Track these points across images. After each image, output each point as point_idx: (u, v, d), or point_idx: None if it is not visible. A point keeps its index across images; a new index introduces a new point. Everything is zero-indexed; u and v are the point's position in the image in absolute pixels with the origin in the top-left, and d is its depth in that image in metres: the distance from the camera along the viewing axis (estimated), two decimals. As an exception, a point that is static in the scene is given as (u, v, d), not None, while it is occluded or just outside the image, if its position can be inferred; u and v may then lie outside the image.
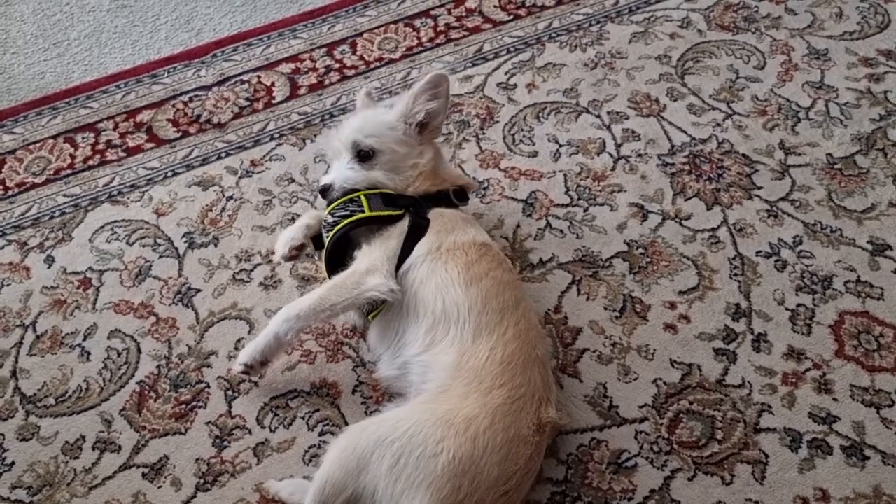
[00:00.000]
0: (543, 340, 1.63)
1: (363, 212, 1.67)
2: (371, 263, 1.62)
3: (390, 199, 1.71)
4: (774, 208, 2.01)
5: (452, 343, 1.53)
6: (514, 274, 1.71)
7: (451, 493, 1.32)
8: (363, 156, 1.76)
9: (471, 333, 1.52)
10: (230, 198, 2.14)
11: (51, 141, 2.34)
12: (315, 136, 2.26)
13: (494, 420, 1.40)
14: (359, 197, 1.70)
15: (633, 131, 2.21)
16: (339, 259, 1.70)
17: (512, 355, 1.50)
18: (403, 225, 1.68)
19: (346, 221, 1.67)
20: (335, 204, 1.72)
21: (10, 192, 2.22)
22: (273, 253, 1.95)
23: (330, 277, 1.69)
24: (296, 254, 1.79)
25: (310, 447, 1.69)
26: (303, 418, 1.73)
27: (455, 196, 1.80)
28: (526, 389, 1.47)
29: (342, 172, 1.76)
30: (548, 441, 1.53)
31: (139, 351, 1.86)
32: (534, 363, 1.52)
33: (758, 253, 1.93)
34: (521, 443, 1.41)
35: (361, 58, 2.48)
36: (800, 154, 2.12)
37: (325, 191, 1.77)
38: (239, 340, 1.85)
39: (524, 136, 2.23)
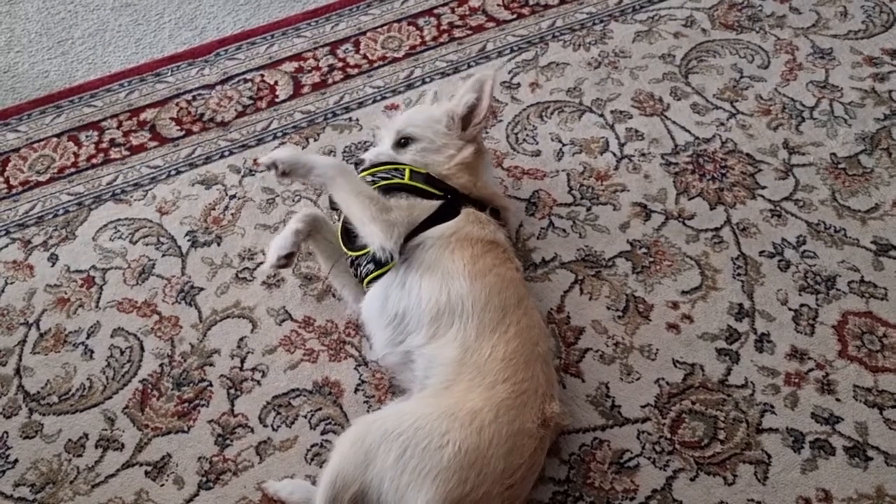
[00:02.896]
0: (546, 338, 1.63)
1: (402, 178, 1.70)
2: (398, 218, 1.62)
3: (432, 181, 1.73)
4: (778, 208, 2.00)
5: (455, 337, 1.53)
6: (520, 272, 1.71)
7: (457, 485, 1.32)
8: (401, 143, 1.81)
9: (474, 329, 1.53)
10: (233, 196, 2.14)
11: (55, 139, 2.34)
12: (318, 134, 2.26)
13: (499, 413, 1.41)
14: (404, 169, 1.72)
15: (637, 130, 2.20)
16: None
17: (515, 352, 1.50)
18: (434, 205, 1.69)
19: (382, 183, 1.69)
20: (378, 169, 1.75)
21: (14, 191, 2.22)
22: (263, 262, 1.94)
23: (344, 246, 1.72)
24: (285, 263, 1.77)
25: (312, 446, 1.69)
26: (305, 417, 1.73)
27: (490, 214, 1.79)
28: (529, 385, 1.47)
29: (377, 151, 1.82)
30: (551, 439, 1.54)
31: (142, 349, 1.86)
32: (536, 360, 1.52)
33: (761, 253, 1.92)
34: (525, 436, 1.42)
35: (365, 56, 2.48)
36: (804, 154, 2.11)
37: (358, 164, 1.83)
38: (242, 339, 1.85)
39: (527, 135, 2.22)
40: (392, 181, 1.70)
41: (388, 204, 1.63)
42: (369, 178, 1.73)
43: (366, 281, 1.70)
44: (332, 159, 1.73)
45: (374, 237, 1.59)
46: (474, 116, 1.81)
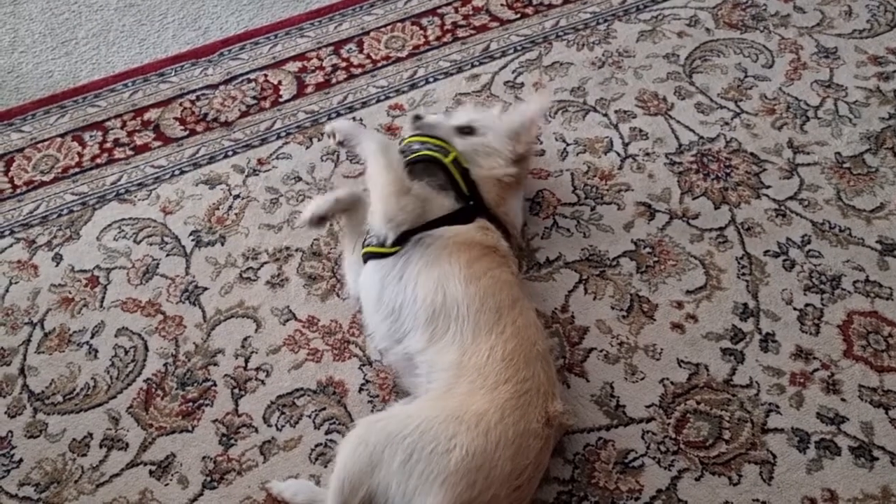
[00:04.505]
0: (544, 337, 1.63)
1: (446, 157, 1.76)
2: (409, 205, 1.65)
3: (467, 177, 1.76)
4: (782, 207, 2.00)
5: (453, 341, 1.54)
6: (516, 276, 1.72)
7: (465, 490, 1.32)
8: (465, 131, 1.87)
9: (470, 332, 1.53)
10: (237, 196, 2.14)
11: (59, 139, 2.34)
12: (322, 134, 2.26)
13: (504, 415, 1.40)
14: (450, 152, 1.78)
15: (641, 130, 2.20)
16: None
17: (513, 352, 1.50)
18: (449, 206, 1.72)
19: (426, 152, 1.78)
20: (429, 139, 1.81)
21: (18, 191, 2.22)
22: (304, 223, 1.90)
23: None
24: (317, 223, 1.81)
25: (316, 445, 1.69)
26: (309, 417, 1.73)
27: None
28: (531, 384, 1.48)
29: (441, 122, 1.91)
30: (556, 438, 1.53)
31: (146, 349, 1.86)
32: (536, 359, 1.52)
33: (766, 252, 1.92)
34: (531, 436, 1.42)
35: (368, 56, 2.48)
36: (808, 153, 2.11)
37: (418, 118, 1.91)
38: (246, 339, 1.85)
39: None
40: (433, 154, 1.77)
41: (407, 187, 1.67)
42: (416, 146, 1.81)
43: (363, 250, 1.73)
44: (380, 136, 1.86)
45: (378, 214, 1.65)
46: (525, 133, 1.86)
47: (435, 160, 1.77)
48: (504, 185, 1.82)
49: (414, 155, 1.79)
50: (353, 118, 2.30)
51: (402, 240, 1.66)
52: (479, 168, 1.80)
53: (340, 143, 1.96)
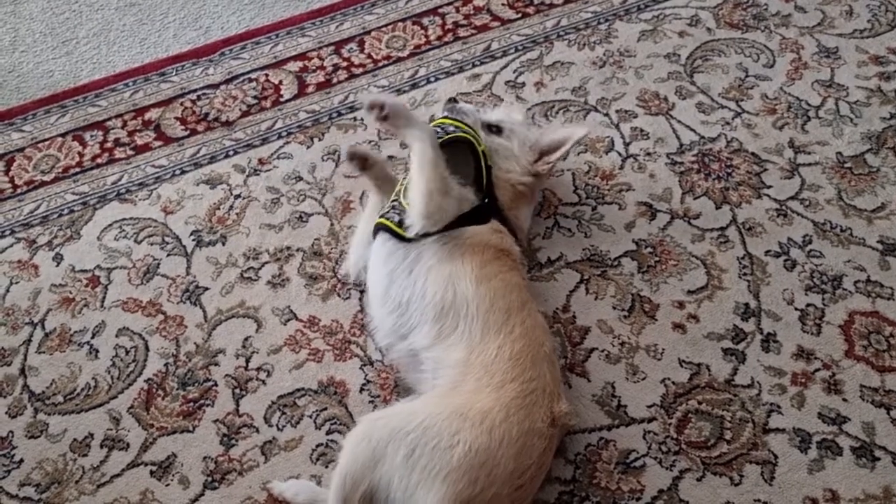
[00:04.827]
0: (550, 339, 1.64)
1: (478, 146, 1.77)
2: (448, 207, 1.64)
3: (490, 174, 1.77)
4: (784, 207, 2.00)
5: (461, 339, 1.54)
6: (525, 280, 1.72)
7: (467, 486, 1.31)
8: (493, 129, 1.89)
9: (479, 330, 1.53)
10: (238, 196, 2.14)
11: (59, 139, 2.34)
12: (323, 134, 2.26)
13: (509, 413, 1.40)
14: (480, 142, 1.79)
15: (642, 130, 2.20)
16: None
17: (521, 352, 1.50)
18: (473, 201, 1.71)
19: (463, 134, 1.77)
20: (461, 124, 1.81)
21: (18, 190, 2.22)
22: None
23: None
24: (359, 164, 1.85)
25: (317, 446, 1.69)
26: (310, 417, 1.73)
27: None
28: (538, 384, 1.48)
29: (474, 111, 1.94)
30: (558, 438, 1.53)
31: (147, 349, 1.86)
32: (542, 359, 1.53)
33: (767, 252, 1.92)
34: (535, 436, 1.42)
35: (369, 56, 2.48)
36: (809, 153, 2.10)
37: (453, 101, 2.00)
38: (247, 339, 1.85)
39: (532, 134, 2.22)
40: (470, 135, 1.77)
41: (449, 188, 1.65)
42: (451, 129, 1.78)
43: (377, 220, 1.73)
44: (427, 125, 1.74)
45: (416, 208, 1.62)
46: (549, 155, 1.86)
47: (470, 144, 1.76)
48: (518, 194, 1.83)
49: (448, 136, 1.76)
50: (355, 118, 2.30)
51: (423, 235, 1.66)
52: (498, 168, 1.82)
53: (384, 119, 1.67)
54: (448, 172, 1.66)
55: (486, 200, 1.74)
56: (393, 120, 1.67)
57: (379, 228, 1.72)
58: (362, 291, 1.88)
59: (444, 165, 1.65)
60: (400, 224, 1.67)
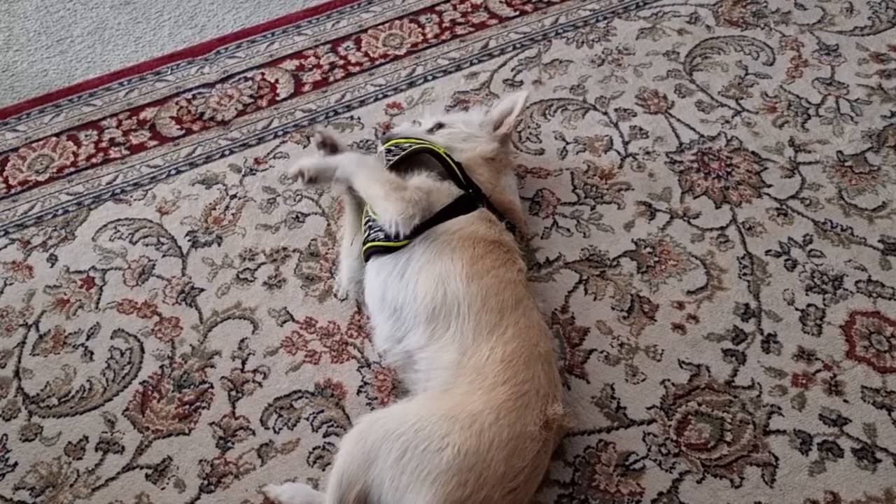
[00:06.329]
0: (547, 338, 1.62)
1: (436, 148, 1.78)
2: (414, 196, 1.64)
3: (462, 170, 1.77)
4: (784, 206, 1.98)
5: (453, 340, 1.53)
6: (522, 273, 1.70)
7: (456, 488, 1.31)
8: (435, 128, 1.92)
9: (471, 331, 1.53)
10: (234, 196, 2.13)
11: (54, 139, 2.32)
12: (292, 176, 2.22)
13: (499, 416, 1.40)
14: (436, 149, 1.78)
15: (641, 128, 2.18)
16: None
17: (513, 353, 1.49)
18: (453, 192, 1.72)
19: (419, 146, 1.78)
20: (409, 140, 1.83)
21: (13, 191, 2.21)
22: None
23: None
24: (334, 146, 1.90)
25: (314, 448, 1.67)
26: (307, 419, 1.71)
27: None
28: (530, 386, 1.46)
29: (410, 127, 1.97)
30: (556, 441, 1.52)
31: (142, 351, 1.84)
32: (537, 360, 1.51)
33: (767, 252, 1.90)
34: (527, 439, 1.41)
35: (366, 54, 2.46)
36: (810, 151, 2.09)
37: (384, 132, 2.02)
38: (243, 340, 1.84)
39: (530, 133, 2.21)
40: (426, 145, 1.79)
41: (403, 184, 1.67)
42: (406, 144, 1.80)
43: (365, 245, 1.72)
44: (350, 154, 1.80)
45: (387, 213, 1.62)
46: (504, 121, 1.91)
47: (428, 150, 1.77)
48: (492, 166, 1.85)
49: (405, 152, 1.78)
50: (351, 117, 2.28)
51: (411, 234, 1.65)
52: (462, 152, 1.83)
53: (311, 181, 1.76)
54: (393, 174, 1.71)
55: (470, 191, 1.75)
56: (321, 175, 1.75)
57: (371, 253, 1.71)
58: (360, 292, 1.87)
59: (385, 169, 1.72)
60: (387, 238, 1.66)
